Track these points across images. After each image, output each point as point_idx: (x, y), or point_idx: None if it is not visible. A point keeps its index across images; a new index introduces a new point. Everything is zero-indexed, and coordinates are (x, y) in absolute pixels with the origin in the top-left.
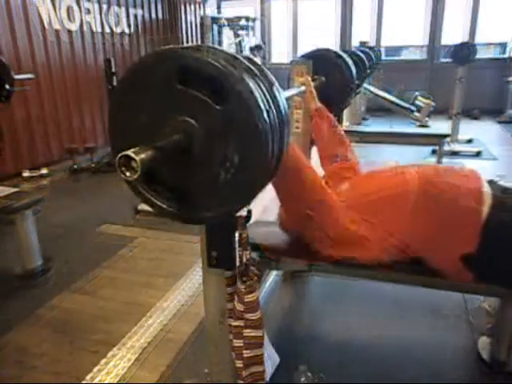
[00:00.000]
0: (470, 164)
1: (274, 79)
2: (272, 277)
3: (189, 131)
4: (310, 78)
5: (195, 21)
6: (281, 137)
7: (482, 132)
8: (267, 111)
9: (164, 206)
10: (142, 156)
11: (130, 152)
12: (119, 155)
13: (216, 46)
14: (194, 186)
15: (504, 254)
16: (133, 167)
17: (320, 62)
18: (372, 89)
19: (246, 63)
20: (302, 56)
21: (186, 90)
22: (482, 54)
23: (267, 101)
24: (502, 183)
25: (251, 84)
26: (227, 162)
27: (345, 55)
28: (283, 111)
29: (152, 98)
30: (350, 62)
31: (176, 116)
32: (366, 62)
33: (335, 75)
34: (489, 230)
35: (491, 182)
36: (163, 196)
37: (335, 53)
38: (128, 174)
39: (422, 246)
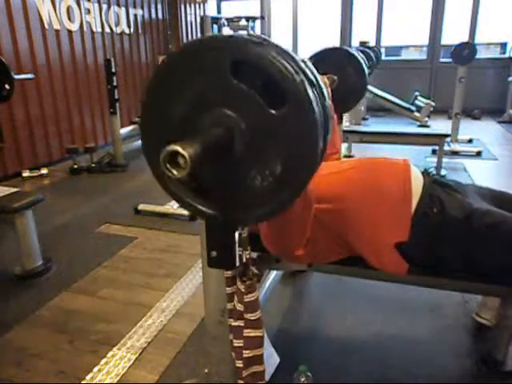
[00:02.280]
0: (470, 164)
1: (324, 89)
2: (272, 277)
3: (231, 126)
4: (325, 78)
5: (195, 21)
6: (324, 146)
7: (483, 132)
8: (321, 125)
9: (204, 209)
10: (191, 151)
11: (178, 147)
12: (165, 150)
13: (278, 43)
14: (229, 187)
15: (432, 244)
16: (179, 164)
17: (332, 60)
18: (372, 89)
19: (308, 69)
20: (314, 55)
21: (238, 84)
22: (482, 53)
23: (321, 116)
24: (434, 174)
25: (312, 97)
26: (267, 169)
27: (357, 54)
28: (329, 119)
29: (194, 88)
30: (363, 62)
31: (217, 109)
32: (366, 61)
33: (348, 74)
34: (417, 220)
35: (424, 172)
36: (201, 197)
37: (347, 51)
38: (175, 172)
39: (358, 240)
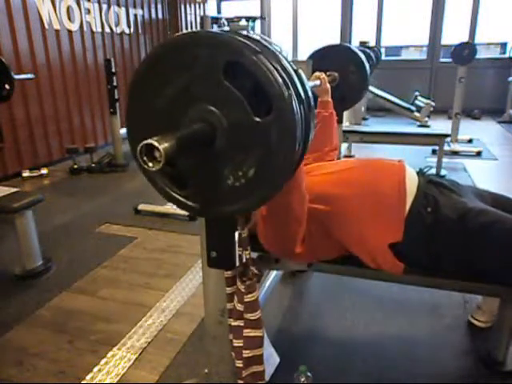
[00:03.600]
0: (470, 164)
1: (313, 104)
2: (272, 277)
3: (214, 123)
4: (324, 76)
5: (195, 21)
6: (304, 148)
7: (483, 132)
8: (300, 139)
9: (181, 199)
10: (166, 145)
11: (153, 141)
12: (141, 144)
13: (274, 45)
14: (207, 181)
15: (426, 243)
16: (155, 157)
17: (334, 57)
18: (372, 89)
19: (299, 82)
20: (315, 52)
21: (229, 86)
22: (482, 53)
23: (303, 128)
24: (430, 173)
25: (297, 112)
26: (240, 171)
27: (359, 52)
28: (310, 136)
29: (183, 82)
30: (364, 59)
31: (201, 104)
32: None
33: (350, 71)
34: (411, 220)
35: (420, 173)
36: (178, 188)
37: (350, 48)
38: (150, 164)
39: (353, 240)
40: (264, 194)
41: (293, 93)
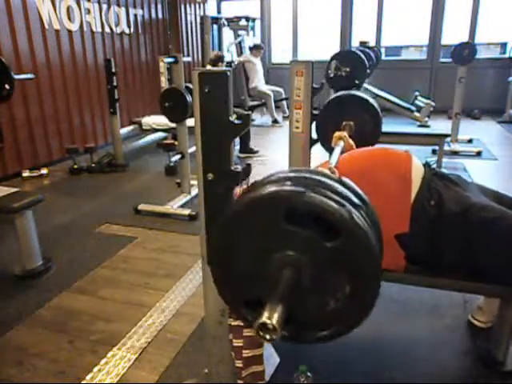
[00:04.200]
0: (470, 164)
1: (369, 201)
2: None
3: (297, 265)
4: (345, 133)
5: (195, 21)
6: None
7: (483, 132)
8: (377, 243)
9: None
10: (278, 318)
11: (267, 320)
12: (256, 323)
13: (321, 178)
14: (303, 311)
15: (430, 236)
16: (270, 330)
17: (349, 106)
18: (372, 89)
19: (350, 191)
20: (332, 99)
21: (293, 228)
22: (482, 53)
23: (371, 228)
24: (435, 166)
25: (360, 221)
26: (338, 292)
27: (371, 99)
28: (379, 232)
29: (257, 238)
30: (376, 106)
31: (283, 252)
32: (366, 61)
33: (364, 120)
34: (416, 211)
35: (426, 165)
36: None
37: (362, 98)
38: (268, 337)
39: None
40: (363, 307)
41: (349, 206)
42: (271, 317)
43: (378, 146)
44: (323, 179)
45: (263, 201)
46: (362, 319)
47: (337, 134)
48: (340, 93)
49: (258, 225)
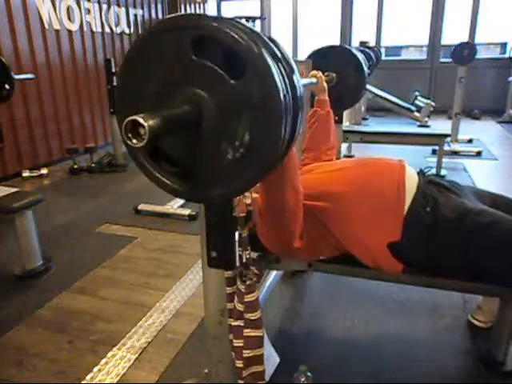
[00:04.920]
0: (470, 164)
1: (295, 66)
2: (272, 277)
3: (199, 103)
4: (320, 73)
5: None
6: (294, 122)
7: (483, 132)
8: (284, 93)
9: (168, 183)
10: (151, 122)
11: (138, 117)
12: (126, 120)
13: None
14: (199, 162)
15: (425, 243)
16: (140, 134)
17: (332, 58)
18: (372, 89)
19: (269, 42)
20: (313, 53)
21: (199, 60)
22: (482, 53)
23: (285, 83)
24: (430, 174)
25: (270, 62)
26: (237, 140)
27: (358, 53)
28: (299, 97)
29: (163, 67)
30: (363, 61)
31: (187, 87)
32: (366, 61)
33: (348, 74)
34: (410, 219)
35: (420, 173)
36: (168, 171)
37: (349, 50)
38: (134, 141)
39: (351, 239)
40: (263, 160)
41: (263, 49)
42: (146, 119)
43: (371, 156)
44: (246, 25)
45: (172, 27)
46: (259, 176)
47: (313, 71)
48: (323, 46)
49: (165, 56)
